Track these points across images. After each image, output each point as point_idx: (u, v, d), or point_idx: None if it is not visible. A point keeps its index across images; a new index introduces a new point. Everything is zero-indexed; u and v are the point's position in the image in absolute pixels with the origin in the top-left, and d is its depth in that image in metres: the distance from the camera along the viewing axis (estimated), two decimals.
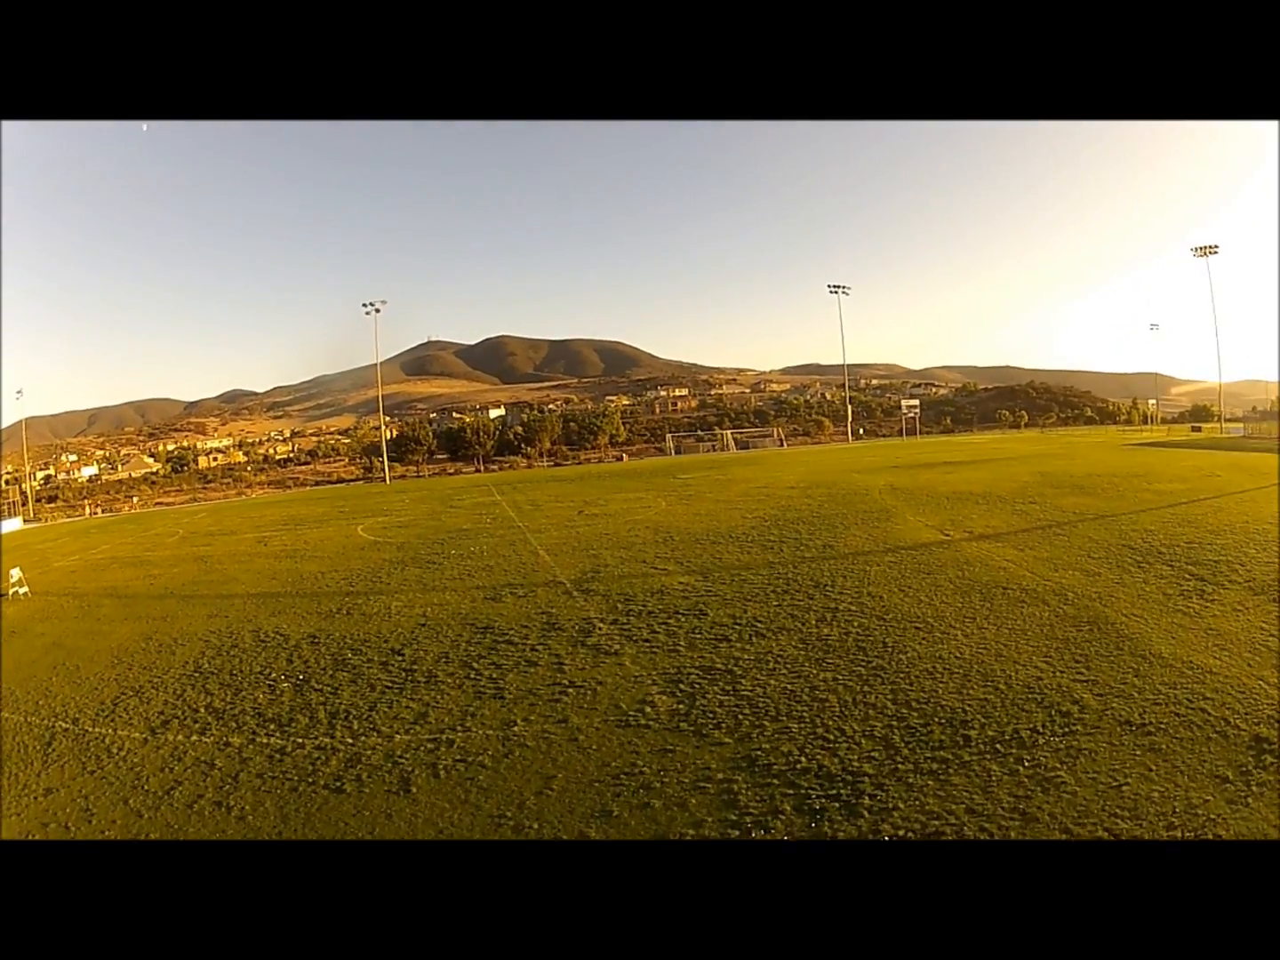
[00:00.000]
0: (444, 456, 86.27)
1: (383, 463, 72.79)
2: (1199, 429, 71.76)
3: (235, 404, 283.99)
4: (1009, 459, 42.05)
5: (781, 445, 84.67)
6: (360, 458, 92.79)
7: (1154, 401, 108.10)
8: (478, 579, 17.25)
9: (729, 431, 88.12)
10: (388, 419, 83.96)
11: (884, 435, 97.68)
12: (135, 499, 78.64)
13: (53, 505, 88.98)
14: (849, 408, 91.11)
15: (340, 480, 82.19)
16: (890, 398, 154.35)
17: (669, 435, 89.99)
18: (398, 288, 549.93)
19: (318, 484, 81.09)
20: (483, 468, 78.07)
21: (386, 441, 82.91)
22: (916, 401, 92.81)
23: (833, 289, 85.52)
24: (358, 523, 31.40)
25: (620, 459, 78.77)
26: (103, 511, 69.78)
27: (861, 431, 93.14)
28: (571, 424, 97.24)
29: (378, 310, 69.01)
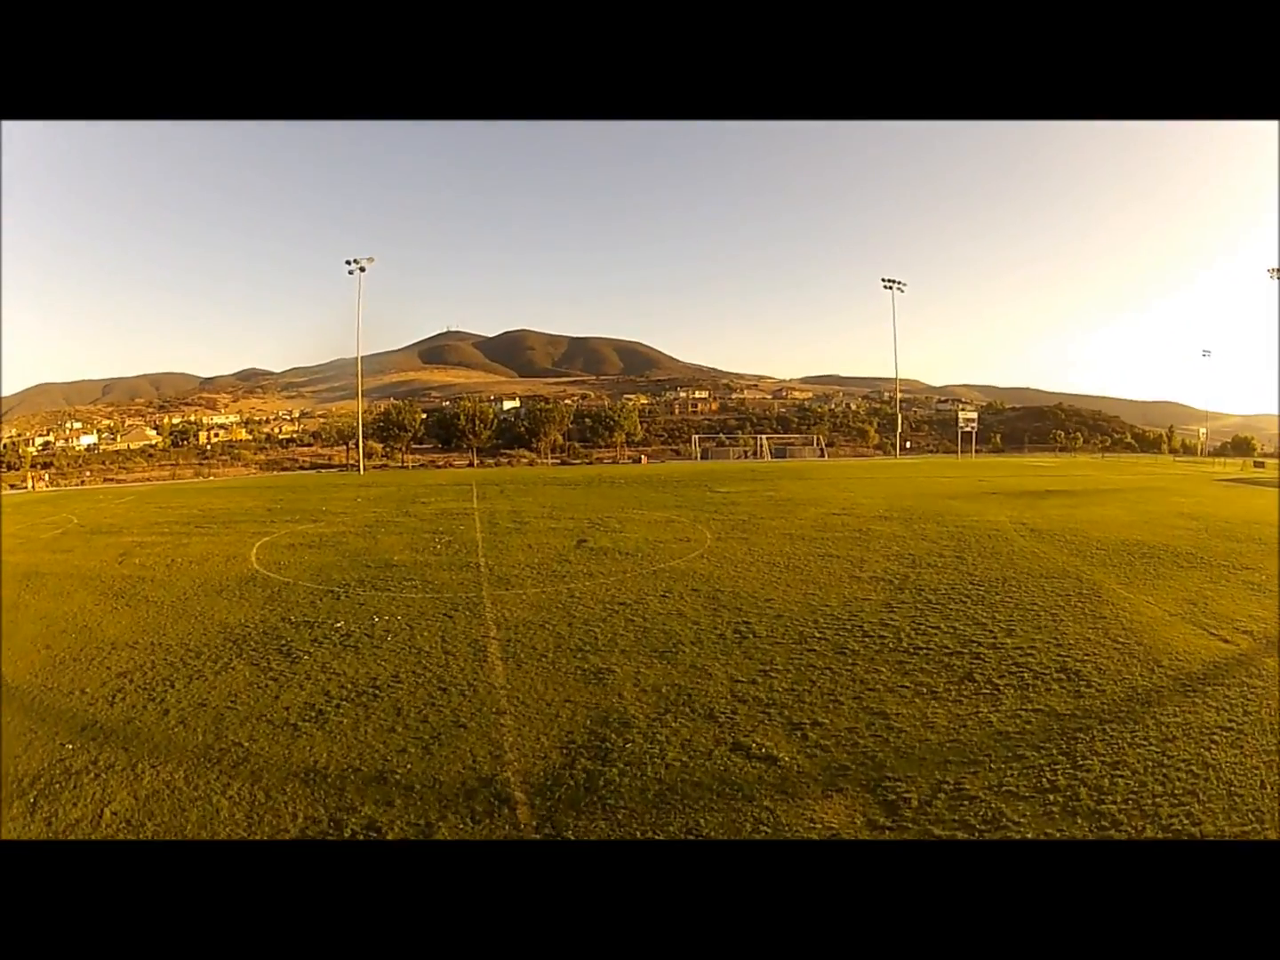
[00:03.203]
0: (439, 446, 76.63)
1: (358, 449, 63.04)
2: (1262, 464, 65.18)
3: (250, 382, 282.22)
4: (1119, 490, 34.09)
5: (822, 455, 75.08)
6: (337, 442, 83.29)
7: (1203, 431, 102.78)
8: (330, 735, 7.44)
9: (764, 437, 78.44)
10: (398, 403, 74.35)
11: (930, 450, 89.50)
12: (88, 473, 73.33)
13: (45, 470, 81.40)
14: (899, 420, 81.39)
15: (321, 466, 73.02)
16: (916, 411, 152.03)
17: (695, 437, 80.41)
18: (419, 277, 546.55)
19: (302, 468, 72.46)
20: (477, 461, 68.17)
21: (371, 426, 73.91)
22: (975, 415, 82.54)
23: (886, 284, 76.57)
24: (269, 532, 21.88)
25: (638, 460, 68.89)
26: (47, 485, 61.41)
27: (908, 445, 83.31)
28: (585, 419, 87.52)
29: (362, 269, 59.98)
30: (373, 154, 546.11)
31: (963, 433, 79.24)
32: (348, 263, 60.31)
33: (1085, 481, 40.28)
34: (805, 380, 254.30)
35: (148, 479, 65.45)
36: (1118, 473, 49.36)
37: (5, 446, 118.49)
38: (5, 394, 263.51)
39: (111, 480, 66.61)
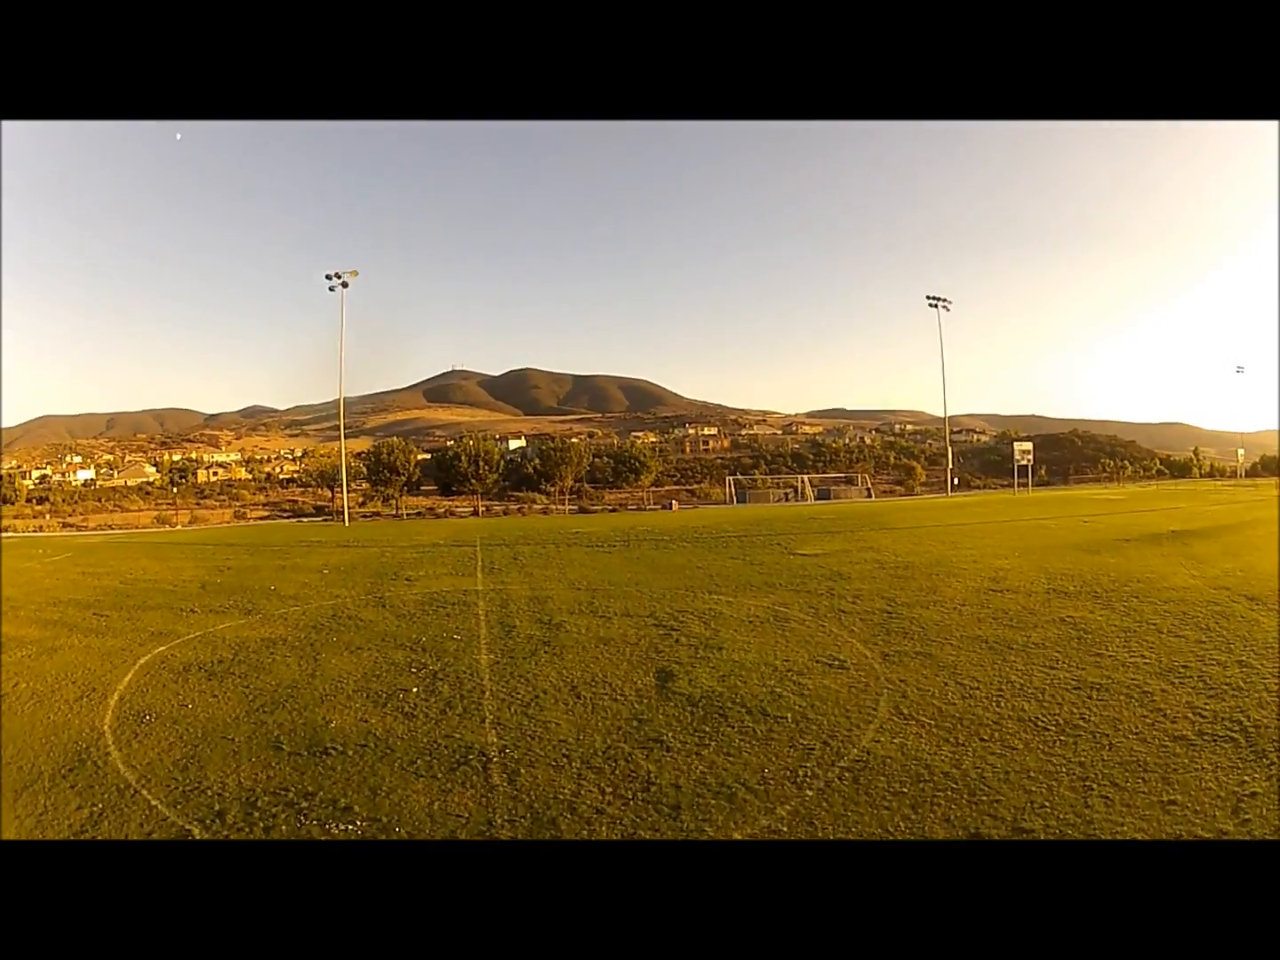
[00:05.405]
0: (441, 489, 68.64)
1: (343, 496, 55.00)
2: None
3: (254, 419, 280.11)
4: (1237, 526, 29.58)
5: (869, 495, 68.04)
6: (318, 485, 75.86)
7: (1241, 452, 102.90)
8: None
9: (806, 477, 71.63)
10: (391, 442, 66.93)
11: (977, 486, 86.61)
12: (46, 517, 68.59)
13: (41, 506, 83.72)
14: (949, 455, 74.61)
15: (306, 514, 65.54)
16: (930, 444, 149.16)
17: (729, 479, 74.70)
18: (424, 315, 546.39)
19: (283, 515, 65.39)
20: (482, 507, 60.17)
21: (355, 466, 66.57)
22: (1030, 447, 75.93)
23: (932, 302, 71.74)
24: (177, 632, 14.52)
25: (669, 506, 60.14)
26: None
27: (956, 481, 76.76)
28: (602, 459, 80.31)
29: (345, 284, 53.27)
30: (374, 189, 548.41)
31: (1019, 466, 73.20)
32: (328, 277, 53.70)
33: (1190, 517, 35.13)
34: (811, 414, 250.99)
35: (109, 525, 58.56)
36: (1200, 503, 45.74)
37: (1, 479, 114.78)
38: (8, 425, 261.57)
39: (70, 526, 60.19)
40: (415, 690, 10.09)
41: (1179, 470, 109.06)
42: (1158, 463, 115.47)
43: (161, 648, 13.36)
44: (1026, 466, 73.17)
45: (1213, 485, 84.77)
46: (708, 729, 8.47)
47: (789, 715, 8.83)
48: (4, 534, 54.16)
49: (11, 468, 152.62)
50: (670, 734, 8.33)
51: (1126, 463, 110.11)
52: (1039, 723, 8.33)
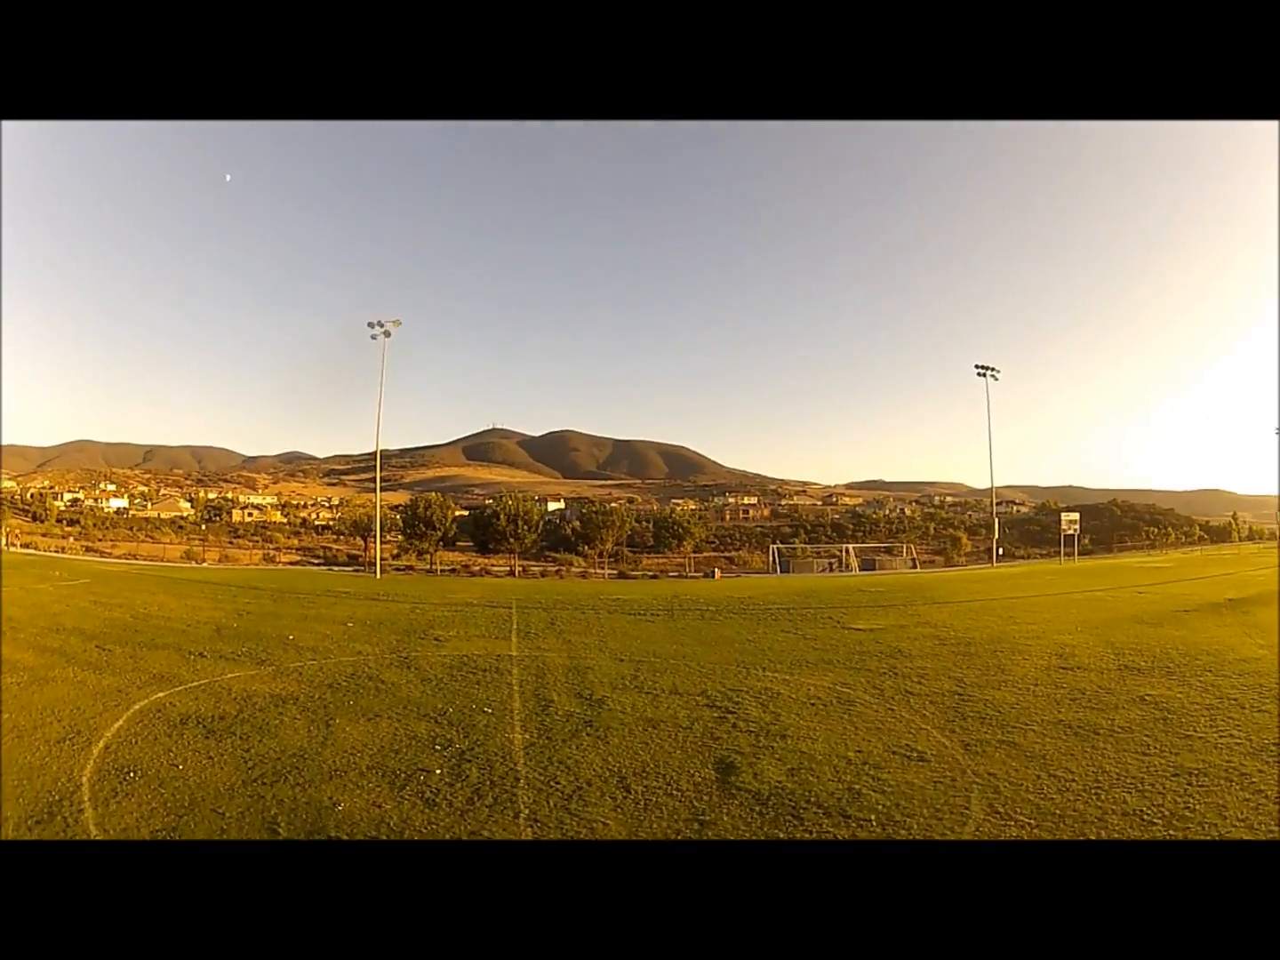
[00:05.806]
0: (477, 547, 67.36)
1: (376, 548, 54.08)
2: None
3: (292, 465, 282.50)
4: None
5: (914, 566, 67.37)
6: (353, 534, 75.40)
7: None
8: None
9: (851, 547, 70.92)
10: (428, 496, 66.36)
11: (1020, 557, 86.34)
12: (70, 539, 70.38)
13: (71, 529, 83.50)
14: (996, 526, 72.75)
15: (338, 562, 64.84)
16: (970, 516, 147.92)
17: (772, 547, 73.69)
18: (464, 375, 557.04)
19: (314, 562, 64.92)
20: (519, 568, 59.13)
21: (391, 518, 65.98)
22: (1077, 516, 75.22)
23: (980, 371, 70.36)
24: (179, 677, 13.35)
25: (711, 575, 58.24)
26: (21, 546, 60.11)
27: (1000, 551, 75.15)
28: (642, 523, 79.44)
29: (387, 334, 53.39)
30: (423, 265, 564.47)
31: (1065, 536, 71.72)
32: (370, 325, 53.97)
33: (1243, 583, 34.43)
34: (851, 486, 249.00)
35: (134, 555, 58.51)
36: (1247, 566, 45.10)
37: (32, 498, 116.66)
38: (45, 445, 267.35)
39: (94, 551, 60.29)
40: (439, 772, 8.71)
41: (1218, 535, 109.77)
42: (1198, 529, 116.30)
43: (161, 693, 12.32)
44: (1072, 536, 71.30)
45: (1256, 548, 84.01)
46: (782, 833, 7.08)
47: (873, 817, 7.43)
48: (25, 551, 54.33)
49: (43, 487, 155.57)
50: (738, 839, 6.94)
51: (1170, 530, 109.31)
52: (1144, 816, 7.41)
